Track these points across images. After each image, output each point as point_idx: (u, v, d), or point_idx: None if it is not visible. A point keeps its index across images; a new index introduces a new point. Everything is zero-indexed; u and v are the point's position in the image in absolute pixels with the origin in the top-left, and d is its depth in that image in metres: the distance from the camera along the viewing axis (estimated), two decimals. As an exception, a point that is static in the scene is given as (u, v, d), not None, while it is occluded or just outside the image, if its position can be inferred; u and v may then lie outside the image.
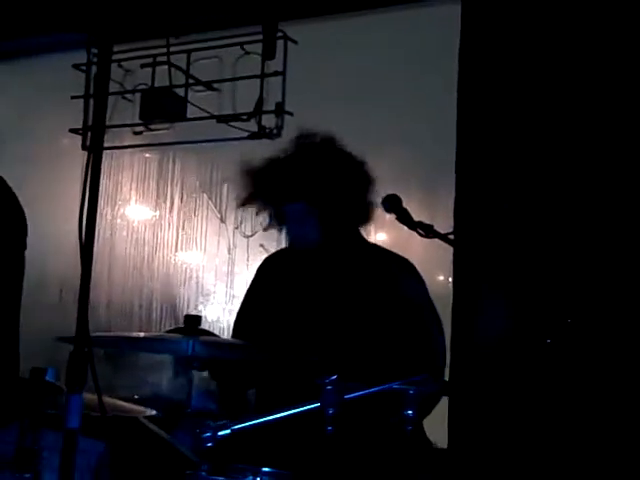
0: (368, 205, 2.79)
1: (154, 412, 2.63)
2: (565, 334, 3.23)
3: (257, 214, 2.92)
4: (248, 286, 3.07)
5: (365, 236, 2.94)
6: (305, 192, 2.74)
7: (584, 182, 3.35)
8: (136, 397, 3.51)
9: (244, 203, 2.90)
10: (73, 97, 4.59)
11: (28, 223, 2.65)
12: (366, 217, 2.82)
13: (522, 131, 3.51)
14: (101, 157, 1.63)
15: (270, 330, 2.84)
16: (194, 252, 4.75)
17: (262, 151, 3.22)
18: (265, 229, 2.93)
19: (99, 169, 1.62)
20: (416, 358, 2.64)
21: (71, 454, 1.53)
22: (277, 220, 2.86)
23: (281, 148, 2.88)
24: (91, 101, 4.55)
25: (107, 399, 1.74)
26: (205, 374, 2.85)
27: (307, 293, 2.84)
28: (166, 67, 4.33)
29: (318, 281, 2.84)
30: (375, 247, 2.95)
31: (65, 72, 4.66)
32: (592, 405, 3.17)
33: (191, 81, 4.42)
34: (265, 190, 2.81)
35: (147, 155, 4.88)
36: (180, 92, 4.40)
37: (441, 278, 3.93)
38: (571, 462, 3.17)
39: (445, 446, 3.37)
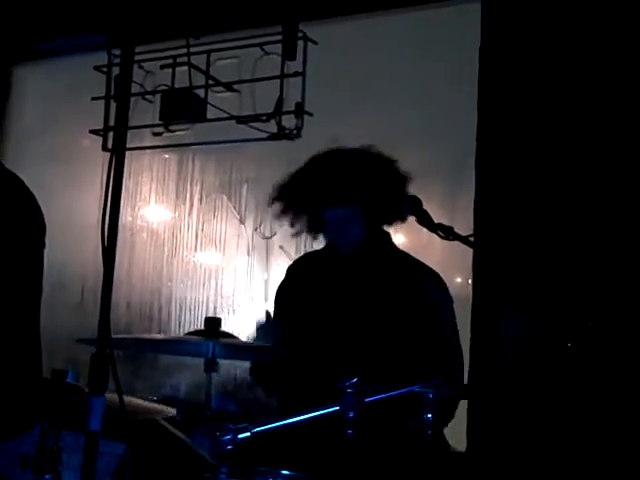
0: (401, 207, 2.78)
1: (174, 411, 2.63)
2: (586, 337, 3.21)
3: (292, 225, 2.90)
4: (277, 287, 3.07)
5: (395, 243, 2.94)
6: (357, 194, 2.75)
7: (608, 184, 3.32)
8: (154, 399, 3.51)
9: (282, 214, 2.89)
10: (94, 98, 4.60)
11: (48, 223, 2.65)
12: (401, 217, 2.82)
13: (544, 131, 3.48)
14: (124, 158, 1.62)
15: (298, 331, 2.85)
16: (213, 253, 4.75)
17: (282, 152, 3.23)
18: (294, 235, 2.93)
19: (122, 170, 1.61)
20: (434, 367, 2.64)
21: (93, 456, 1.53)
22: (314, 226, 2.85)
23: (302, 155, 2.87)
24: (112, 102, 4.56)
25: (126, 398, 1.74)
26: (224, 375, 2.85)
27: (336, 296, 2.85)
28: (186, 68, 4.33)
29: (347, 284, 2.84)
30: (406, 255, 2.95)
31: (86, 74, 4.67)
32: (613, 409, 3.15)
33: (211, 82, 4.42)
34: (309, 197, 2.81)
35: (166, 156, 4.89)
36: (200, 93, 4.40)
37: (459, 280, 3.91)
38: (590, 466, 3.14)
39: (463, 449, 3.36)
